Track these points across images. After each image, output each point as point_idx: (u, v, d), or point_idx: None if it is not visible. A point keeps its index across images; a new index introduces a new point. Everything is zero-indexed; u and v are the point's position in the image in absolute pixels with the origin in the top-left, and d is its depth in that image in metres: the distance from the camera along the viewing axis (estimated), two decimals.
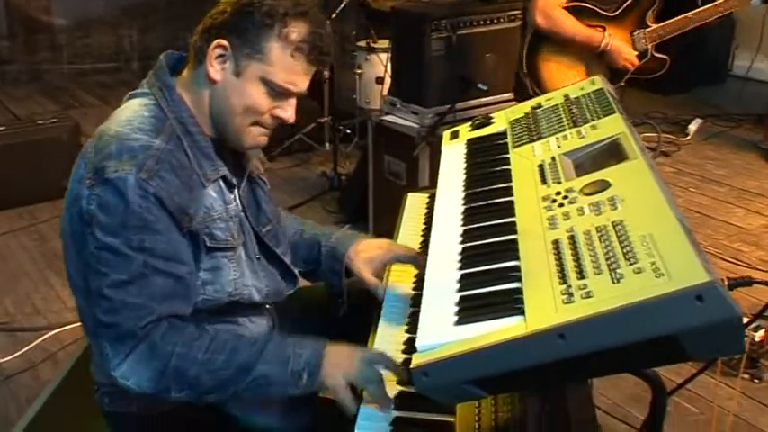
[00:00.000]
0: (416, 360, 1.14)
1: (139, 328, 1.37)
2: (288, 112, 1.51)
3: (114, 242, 1.37)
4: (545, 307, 1.08)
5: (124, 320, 1.37)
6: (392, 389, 1.41)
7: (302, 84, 1.49)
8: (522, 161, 1.59)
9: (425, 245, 1.84)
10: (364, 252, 1.76)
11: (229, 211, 1.54)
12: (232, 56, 1.46)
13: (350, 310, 1.80)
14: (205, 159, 1.50)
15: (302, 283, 1.81)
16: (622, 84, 3.14)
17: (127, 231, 1.37)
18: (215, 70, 1.47)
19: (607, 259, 1.10)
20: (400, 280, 1.77)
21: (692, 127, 5.34)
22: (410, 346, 1.51)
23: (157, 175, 1.39)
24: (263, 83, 1.46)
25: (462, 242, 1.42)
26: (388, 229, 2.01)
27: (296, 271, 1.74)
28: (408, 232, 1.99)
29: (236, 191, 1.58)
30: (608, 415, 2.62)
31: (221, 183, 1.54)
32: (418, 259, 1.72)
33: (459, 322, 1.17)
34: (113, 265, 1.37)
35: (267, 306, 1.67)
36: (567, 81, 2.85)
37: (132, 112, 1.47)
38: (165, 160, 1.42)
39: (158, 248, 1.39)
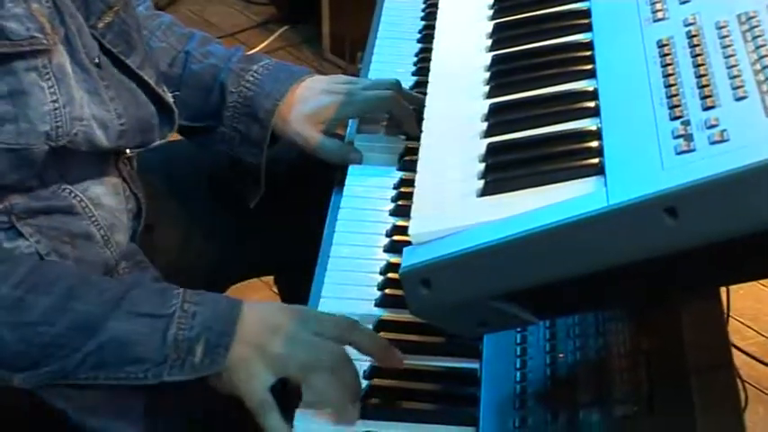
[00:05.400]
0: (410, 259, 1.15)
1: None
2: None
3: None
4: (642, 161, 1.09)
5: None
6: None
7: None
8: None
9: (424, 61, 1.86)
10: (305, 103, 1.80)
11: None
12: None
13: (269, 200, 1.85)
14: None
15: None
16: None
17: None
18: None
19: (757, 72, 1.10)
20: None
21: None
22: (398, 243, 1.54)
23: None
24: None
25: (492, 48, 1.43)
26: (354, 34, 2.01)
27: (169, 99, 1.72)
28: (392, 42, 2.01)
29: None
30: (755, 361, 2.70)
31: None
32: (404, 110, 1.78)
33: (485, 191, 1.18)
34: None
35: (125, 156, 1.67)
36: None
37: None
38: None
39: None
